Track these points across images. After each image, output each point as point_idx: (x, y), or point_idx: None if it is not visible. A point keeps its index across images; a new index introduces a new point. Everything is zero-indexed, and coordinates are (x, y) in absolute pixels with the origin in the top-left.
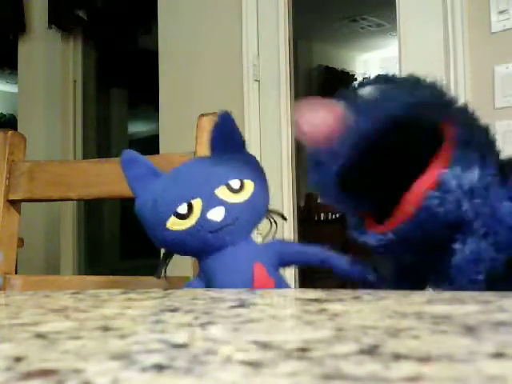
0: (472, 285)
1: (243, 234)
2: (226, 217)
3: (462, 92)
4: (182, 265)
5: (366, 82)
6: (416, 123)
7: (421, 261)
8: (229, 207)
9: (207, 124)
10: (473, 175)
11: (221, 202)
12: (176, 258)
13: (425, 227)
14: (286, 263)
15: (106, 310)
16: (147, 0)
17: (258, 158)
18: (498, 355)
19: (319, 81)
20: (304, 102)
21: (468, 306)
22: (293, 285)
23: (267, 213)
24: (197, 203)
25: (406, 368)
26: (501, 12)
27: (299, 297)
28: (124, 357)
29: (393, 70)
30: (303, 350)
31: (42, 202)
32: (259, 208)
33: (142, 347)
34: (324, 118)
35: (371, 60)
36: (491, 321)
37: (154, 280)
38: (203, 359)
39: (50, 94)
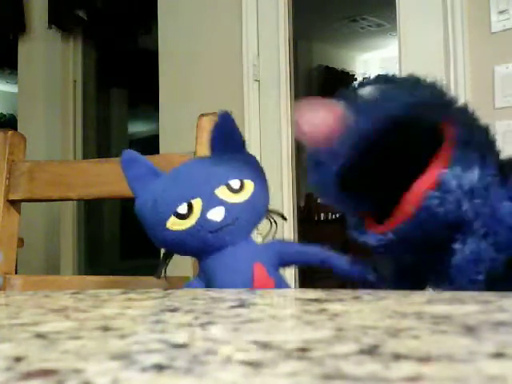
0: (472, 285)
1: (243, 233)
2: (226, 217)
3: (461, 92)
4: (182, 265)
5: (365, 82)
6: (416, 123)
7: (421, 261)
8: (229, 207)
9: (207, 124)
10: (473, 175)
11: (221, 202)
12: (176, 258)
13: (425, 227)
14: (285, 263)
15: (106, 309)
16: (147, 0)
17: (257, 158)
18: (498, 355)
19: (319, 81)
20: (304, 102)
21: (468, 305)
22: (293, 285)
23: (267, 213)
24: (197, 203)
25: (406, 368)
26: (501, 12)
27: (299, 297)
28: (124, 357)
29: (393, 69)
30: (303, 349)
31: (41, 201)
32: (259, 208)
33: (142, 347)
34: (324, 117)
35: (371, 60)
36: (491, 321)
37: (153, 280)
38: (203, 359)
39: (50, 94)
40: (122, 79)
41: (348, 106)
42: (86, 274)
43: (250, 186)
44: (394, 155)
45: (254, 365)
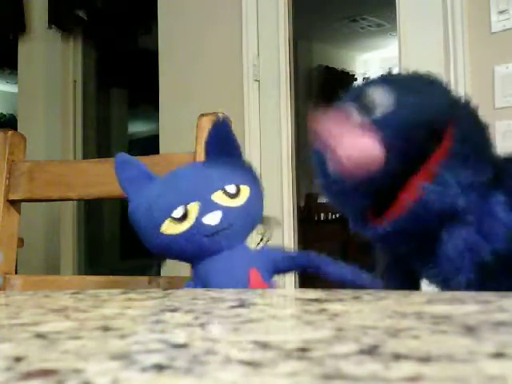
0: (460, 274)
1: (238, 238)
2: (221, 221)
3: (462, 92)
4: (182, 265)
5: (373, 83)
6: (425, 125)
7: (414, 251)
8: (225, 212)
9: (207, 124)
10: (468, 171)
11: (217, 207)
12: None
13: (420, 219)
14: (279, 270)
15: (106, 309)
16: (147, 0)
17: (257, 159)
18: (498, 355)
19: (319, 81)
20: (338, 128)
21: (468, 305)
22: (293, 285)
23: (262, 219)
24: (193, 207)
25: (406, 368)
26: (501, 12)
27: (299, 297)
28: (124, 357)
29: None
30: (303, 349)
31: (41, 202)
32: (254, 213)
33: (142, 347)
34: (363, 147)
35: (371, 60)
36: (491, 321)
37: (153, 280)
38: (203, 359)
39: (50, 94)
40: (122, 79)
41: (376, 122)
42: (86, 273)
43: (245, 191)
44: (401, 156)
45: (254, 365)
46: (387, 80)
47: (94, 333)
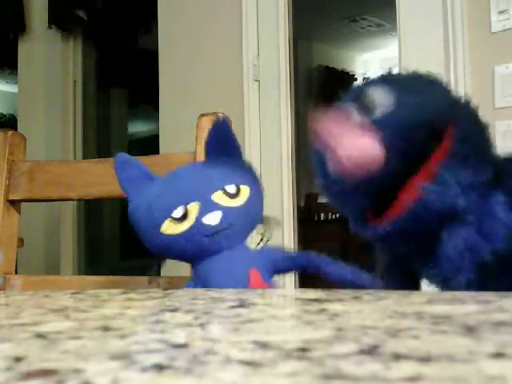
0: (460, 274)
1: (238, 238)
2: (222, 221)
3: (462, 92)
4: (181, 265)
5: (374, 84)
6: (426, 125)
7: (415, 250)
8: (225, 211)
9: (207, 124)
10: (468, 171)
11: (217, 207)
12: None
13: (420, 219)
14: (279, 270)
15: (106, 309)
16: (147, 0)
17: (257, 159)
18: (498, 355)
19: (319, 81)
20: (337, 129)
21: (468, 305)
22: (293, 285)
23: (262, 219)
24: (193, 207)
25: (406, 368)
26: (501, 12)
27: (299, 297)
28: (124, 357)
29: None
30: (303, 349)
31: (41, 201)
32: (254, 214)
33: (142, 347)
34: (363, 147)
35: (371, 60)
36: (491, 321)
37: (153, 280)
38: (203, 359)
39: (50, 94)
40: (122, 79)
41: (365, 119)
42: (86, 273)
43: (245, 191)
44: (401, 156)
45: (254, 365)
46: (387, 80)
47: (94, 333)
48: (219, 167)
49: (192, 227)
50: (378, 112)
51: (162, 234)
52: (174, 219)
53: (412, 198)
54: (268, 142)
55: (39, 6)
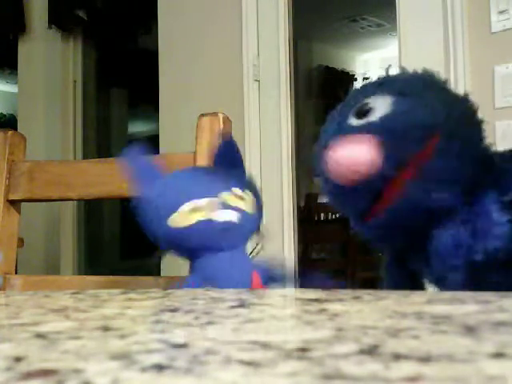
0: (452, 272)
1: (243, 240)
2: (231, 220)
3: (461, 92)
4: (181, 265)
5: (372, 89)
6: (421, 129)
7: (408, 249)
8: (235, 211)
9: (207, 124)
10: (454, 168)
11: (228, 206)
12: (176, 258)
13: (406, 214)
14: (270, 280)
15: (106, 309)
16: (147, 0)
17: (257, 159)
18: (498, 355)
19: (319, 81)
20: (334, 141)
21: (468, 305)
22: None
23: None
24: (203, 202)
25: (406, 368)
26: (501, 12)
27: (299, 297)
28: (124, 357)
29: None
30: (303, 349)
31: (41, 202)
32: (256, 221)
33: (142, 347)
34: (358, 155)
35: (371, 60)
36: (491, 321)
37: (153, 280)
38: (203, 359)
39: (50, 93)
40: (122, 79)
41: (365, 127)
42: (86, 273)
43: (251, 198)
44: (395, 159)
45: (254, 365)
46: (384, 83)
47: (94, 333)
48: (230, 172)
49: (202, 221)
50: (374, 116)
51: (170, 224)
52: (184, 212)
53: (396, 194)
54: (268, 142)
55: (39, 5)
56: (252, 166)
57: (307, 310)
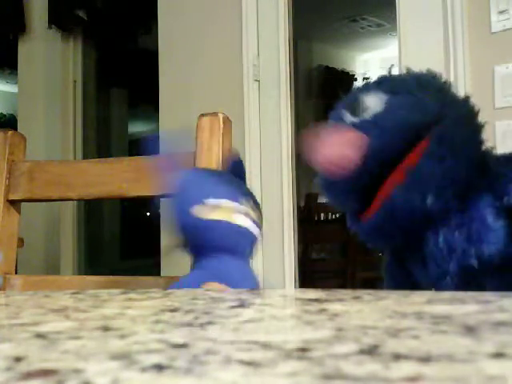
0: (447, 276)
1: (252, 250)
2: (247, 227)
3: (462, 92)
4: (181, 265)
5: (369, 87)
6: (413, 129)
7: (404, 250)
8: (251, 219)
9: (207, 124)
10: (443, 172)
11: (246, 212)
12: (176, 257)
13: (394, 217)
14: None
15: (106, 309)
16: (147, 0)
17: (257, 159)
18: (498, 355)
19: (319, 81)
20: (315, 133)
21: (468, 305)
22: (293, 285)
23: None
24: (227, 203)
25: (406, 368)
26: (501, 12)
27: (299, 297)
28: (124, 357)
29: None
30: (303, 349)
31: (41, 202)
32: (260, 235)
33: (142, 347)
34: (341, 146)
35: (371, 60)
36: (491, 321)
37: (153, 280)
38: (203, 359)
39: (50, 93)
40: (122, 79)
41: (355, 122)
42: (86, 273)
43: (260, 212)
44: (386, 156)
45: (254, 365)
46: (381, 83)
47: (94, 333)
48: (244, 186)
49: (224, 219)
50: (366, 114)
51: (193, 215)
52: (208, 206)
53: (384, 198)
54: (268, 142)
55: (39, 5)
56: (252, 166)
57: (307, 309)
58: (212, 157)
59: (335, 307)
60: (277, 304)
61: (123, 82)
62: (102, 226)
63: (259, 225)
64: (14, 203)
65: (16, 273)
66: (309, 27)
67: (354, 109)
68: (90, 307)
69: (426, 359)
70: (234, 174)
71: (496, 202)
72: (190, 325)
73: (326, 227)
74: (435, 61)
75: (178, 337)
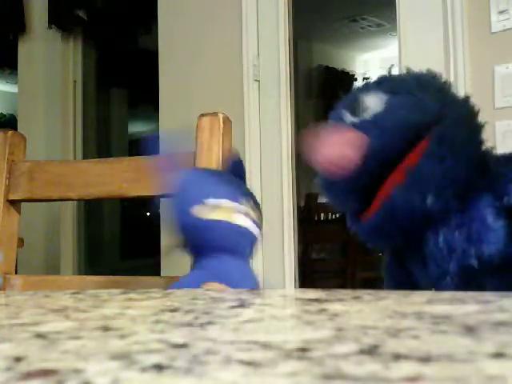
0: (447, 276)
1: (252, 251)
2: (247, 227)
3: (462, 92)
4: (181, 265)
5: (369, 87)
6: (412, 129)
7: (404, 250)
8: (249, 220)
9: (207, 124)
10: (443, 172)
11: (246, 212)
12: (176, 258)
13: (394, 217)
14: None
15: (106, 309)
16: (147, 0)
17: (257, 159)
18: (498, 355)
19: (319, 81)
20: (315, 133)
21: (468, 305)
22: (293, 285)
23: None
24: (227, 203)
25: (406, 368)
26: (501, 12)
27: (299, 297)
28: (124, 357)
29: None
30: (303, 349)
31: (41, 201)
32: (260, 236)
33: (142, 347)
34: (341, 146)
35: (371, 60)
36: (491, 321)
37: (153, 280)
38: (203, 359)
39: (50, 93)
40: (122, 79)
41: (355, 122)
42: (86, 273)
43: (261, 213)
44: (385, 156)
45: (254, 365)
46: (381, 83)
47: (94, 333)
48: (242, 184)
49: (224, 219)
50: (366, 114)
51: (194, 215)
52: (208, 206)
53: (384, 198)
54: (268, 142)
55: (39, 6)
56: (252, 166)
57: (307, 309)
58: (212, 157)
59: (335, 307)
60: (277, 304)
61: (123, 82)
62: (102, 226)
63: (259, 225)
64: (14, 203)
65: (16, 273)
66: (309, 27)
67: (354, 109)
68: (89, 307)
69: (425, 359)
70: (233, 174)
71: (496, 201)
72: (189, 325)
73: (326, 227)
74: (435, 61)
75: (178, 337)
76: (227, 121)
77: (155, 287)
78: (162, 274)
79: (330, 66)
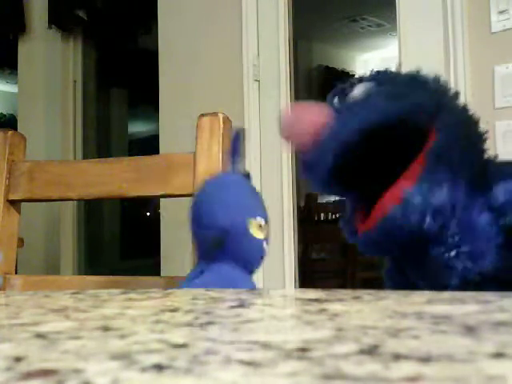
0: (447, 288)
1: (259, 266)
2: (263, 240)
3: (461, 92)
4: (181, 265)
5: (362, 79)
6: (400, 126)
7: (404, 261)
8: (265, 234)
9: (207, 124)
10: (439, 193)
11: (267, 230)
12: (176, 257)
13: (390, 236)
14: None
15: (106, 309)
16: (147, 0)
17: (257, 159)
18: (498, 355)
19: (319, 81)
20: (291, 105)
21: (468, 305)
22: (293, 285)
23: None
24: (261, 222)
25: (406, 368)
26: (501, 12)
27: (299, 297)
28: (124, 357)
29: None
30: (303, 349)
31: (41, 202)
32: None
33: (142, 347)
34: (309, 119)
35: (371, 60)
36: (491, 321)
37: (153, 280)
38: (203, 359)
39: (50, 94)
40: (122, 79)
41: (335, 107)
42: (86, 273)
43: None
44: (378, 155)
45: (254, 365)
46: (376, 76)
47: (94, 333)
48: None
49: (262, 240)
50: (348, 99)
51: (245, 227)
52: (257, 222)
53: (381, 215)
54: (268, 142)
55: (39, 6)
56: (252, 166)
57: (307, 309)
58: (212, 157)
59: (335, 307)
60: (277, 304)
61: (123, 82)
62: (102, 225)
63: (268, 240)
64: (14, 203)
65: (16, 273)
66: (309, 27)
67: (343, 95)
68: (89, 307)
69: (425, 359)
70: (234, 144)
71: (496, 219)
72: (189, 325)
73: (325, 227)
74: (435, 61)
75: (178, 337)
76: (227, 121)
77: (155, 287)
78: (162, 274)
79: (330, 66)
